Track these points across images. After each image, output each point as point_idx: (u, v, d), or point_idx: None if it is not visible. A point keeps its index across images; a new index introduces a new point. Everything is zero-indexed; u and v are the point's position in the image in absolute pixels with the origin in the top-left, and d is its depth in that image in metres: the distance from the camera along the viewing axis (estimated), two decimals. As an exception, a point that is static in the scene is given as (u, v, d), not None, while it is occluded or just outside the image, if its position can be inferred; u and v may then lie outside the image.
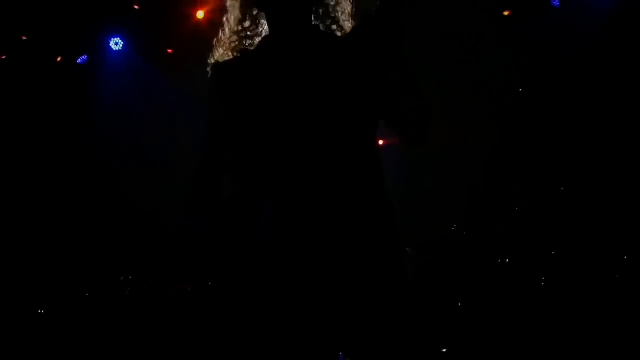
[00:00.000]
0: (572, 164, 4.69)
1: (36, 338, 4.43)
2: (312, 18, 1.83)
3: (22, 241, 4.83)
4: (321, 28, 1.85)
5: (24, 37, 5.13)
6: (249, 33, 1.87)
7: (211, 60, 1.87)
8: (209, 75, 1.85)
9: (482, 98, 4.80)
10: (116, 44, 5.36)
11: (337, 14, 1.84)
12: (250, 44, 1.87)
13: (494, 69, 4.75)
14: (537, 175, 4.76)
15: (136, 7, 5.21)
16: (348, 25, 1.85)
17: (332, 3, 1.84)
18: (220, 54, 1.87)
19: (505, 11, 4.98)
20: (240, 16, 1.86)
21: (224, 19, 1.89)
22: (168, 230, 4.77)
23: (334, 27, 1.84)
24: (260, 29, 1.87)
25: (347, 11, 1.85)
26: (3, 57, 5.14)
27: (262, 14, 1.85)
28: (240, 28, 1.86)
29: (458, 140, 4.71)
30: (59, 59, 5.29)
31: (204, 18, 5.14)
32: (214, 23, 1.94)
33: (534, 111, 4.78)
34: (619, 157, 4.54)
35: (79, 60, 5.31)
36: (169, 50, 5.40)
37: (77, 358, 4.36)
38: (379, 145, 1.81)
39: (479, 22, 4.80)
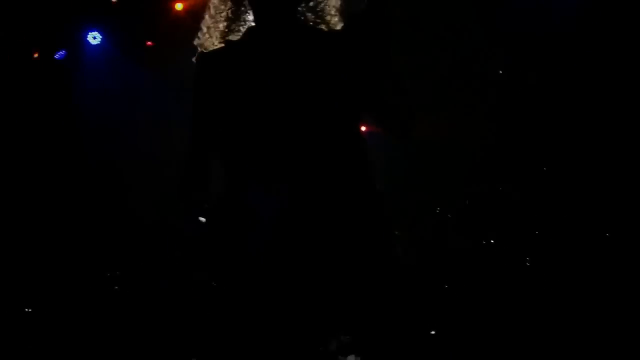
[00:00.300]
0: (554, 147, 4.74)
1: (25, 334, 4.40)
2: (299, 11, 1.84)
3: (5, 240, 4.78)
4: (308, 21, 1.86)
5: (-2, 33, 5.06)
6: (234, 22, 1.87)
7: (196, 42, 1.87)
8: (194, 66, 1.86)
9: (463, 87, 4.82)
10: (94, 37, 5.30)
11: (324, 8, 1.86)
12: (236, 32, 1.87)
13: (475, 54, 4.78)
14: (520, 158, 4.80)
15: (113, -1, 5.16)
16: (335, 20, 1.87)
17: None
18: (206, 38, 1.87)
19: None
20: (228, 2, 1.87)
21: (210, 3, 1.89)
22: (155, 225, 4.75)
23: (319, 21, 1.86)
24: (246, 18, 1.87)
25: (334, 6, 1.87)
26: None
27: (248, 2, 1.85)
28: (226, 15, 1.87)
29: (442, 130, 4.76)
30: (35, 55, 5.22)
31: (182, 10, 5.10)
32: (193, 14, 1.93)
33: (516, 96, 4.82)
34: (602, 141, 4.58)
35: (56, 56, 5.24)
36: (149, 43, 5.36)
37: (67, 355, 4.35)
38: (364, 134, 1.84)
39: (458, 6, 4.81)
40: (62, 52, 5.25)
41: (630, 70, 4.51)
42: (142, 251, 4.81)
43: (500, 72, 4.96)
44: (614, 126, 4.53)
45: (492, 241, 4.72)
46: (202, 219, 1.91)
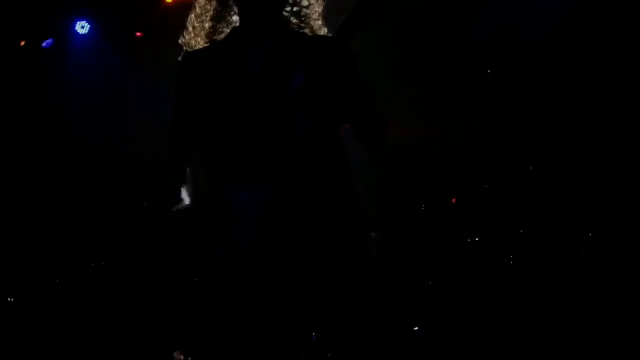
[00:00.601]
0: (538, 146, 4.76)
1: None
2: (283, 15, 1.88)
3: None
4: (292, 25, 1.90)
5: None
6: (219, 23, 1.88)
7: (181, 40, 1.90)
8: (179, 65, 1.87)
9: (445, 88, 4.83)
10: (82, 27, 5.25)
11: (308, 13, 1.90)
12: (220, 32, 1.89)
13: (457, 56, 4.79)
14: (505, 158, 4.82)
15: (102, -12, 5.12)
16: (318, 24, 1.91)
17: (304, 3, 1.89)
18: (191, 37, 1.89)
19: None
20: (213, 3, 1.88)
21: (195, 3, 1.91)
22: (141, 217, 4.74)
23: (304, 25, 1.90)
24: (231, 19, 1.89)
25: (317, 11, 1.91)
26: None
27: (234, 3, 1.88)
28: (212, 15, 1.88)
29: (427, 131, 4.78)
30: (22, 43, 5.17)
31: (172, 1, 5.06)
32: (183, 6, 1.95)
33: (498, 96, 4.83)
34: (587, 140, 4.61)
35: (43, 44, 5.19)
36: (138, 34, 5.32)
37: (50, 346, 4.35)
38: (344, 136, 1.87)
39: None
40: (49, 41, 5.19)
41: (616, 70, 4.53)
42: (126, 244, 4.80)
43: (489, 71, 4.98)
44: (598, 126, 4.56)
45: (477, 239, 4.75)
46: (185, 201, 1.93)
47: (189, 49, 1.89)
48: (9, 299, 4.64)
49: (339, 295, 1.73)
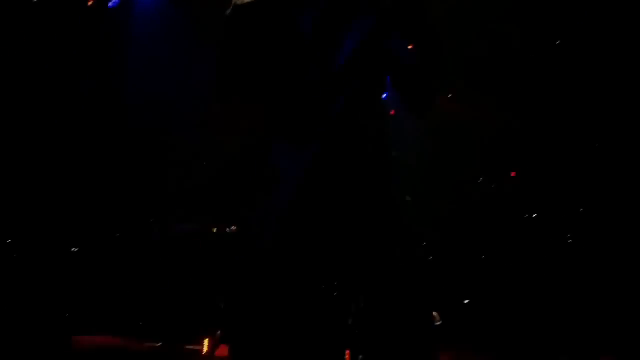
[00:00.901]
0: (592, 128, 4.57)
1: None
2: None
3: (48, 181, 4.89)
4: None
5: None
6: None
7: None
8: (226, 19, 1.86)
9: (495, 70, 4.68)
10: (147, -13, 5.31)
11: None
12: None
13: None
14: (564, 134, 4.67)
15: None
16: None
17: None
18: None
19: None
20: None
21: None
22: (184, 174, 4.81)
23: None
24: None
25: None
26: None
27: None
28: None
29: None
30: (90, 2, 5.25)
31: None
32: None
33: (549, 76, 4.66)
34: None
35: (110, 4, 5.26)
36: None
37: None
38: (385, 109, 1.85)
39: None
40: (115, 0, 5.26)
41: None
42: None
43: (558, 42, 4.78)
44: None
45: (535, 215, 4.64)
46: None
47: (237, 2, 1.87)
48: (73, 249, 4.80)
49: (383, 259, 1.72)
